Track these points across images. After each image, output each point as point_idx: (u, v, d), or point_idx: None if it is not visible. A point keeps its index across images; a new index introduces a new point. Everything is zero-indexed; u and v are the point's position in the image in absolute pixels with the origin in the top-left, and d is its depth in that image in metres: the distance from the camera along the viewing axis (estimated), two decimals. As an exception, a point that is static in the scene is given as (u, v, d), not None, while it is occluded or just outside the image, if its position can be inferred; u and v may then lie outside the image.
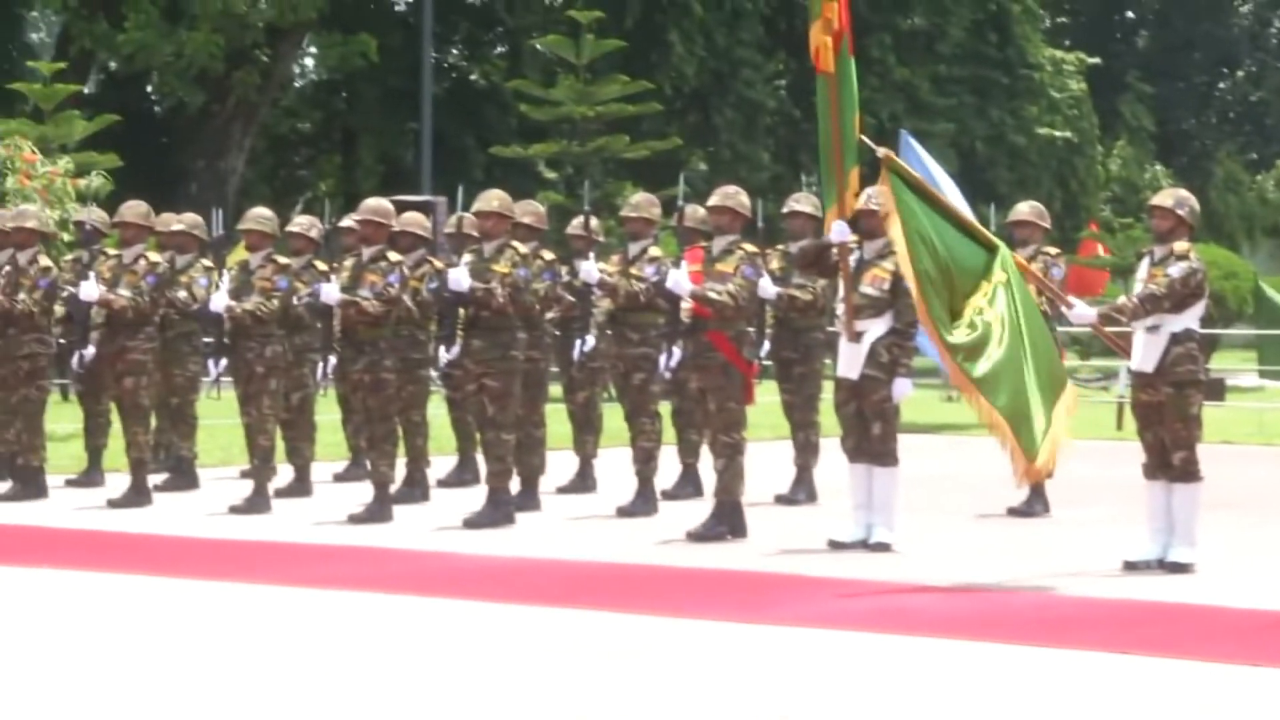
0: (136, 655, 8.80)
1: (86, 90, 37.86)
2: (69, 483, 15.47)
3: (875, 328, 11.93)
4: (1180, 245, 11.13)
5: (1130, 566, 11.11)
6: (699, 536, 12.32)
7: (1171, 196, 11.38)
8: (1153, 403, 11.10)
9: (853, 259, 11.97)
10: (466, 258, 13.08)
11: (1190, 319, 11.11)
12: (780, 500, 14.49)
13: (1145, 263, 11.28)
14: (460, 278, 12.85)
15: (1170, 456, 11.08)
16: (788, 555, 11.78)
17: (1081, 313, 11.33)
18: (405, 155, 40.75)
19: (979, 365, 10.84)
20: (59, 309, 14.84)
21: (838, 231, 11.83)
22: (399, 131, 41.30)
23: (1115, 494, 14.70)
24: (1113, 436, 20.48)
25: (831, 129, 11.85)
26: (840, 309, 12.07)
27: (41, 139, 25.52)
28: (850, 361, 11.95)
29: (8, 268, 14.58)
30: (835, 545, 11.92)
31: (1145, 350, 11.11)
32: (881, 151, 11.28)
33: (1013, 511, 13.80)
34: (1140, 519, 11.41)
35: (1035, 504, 13.84)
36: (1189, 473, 11.08)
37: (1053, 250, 14.17)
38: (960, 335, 10.90)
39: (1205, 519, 11.35)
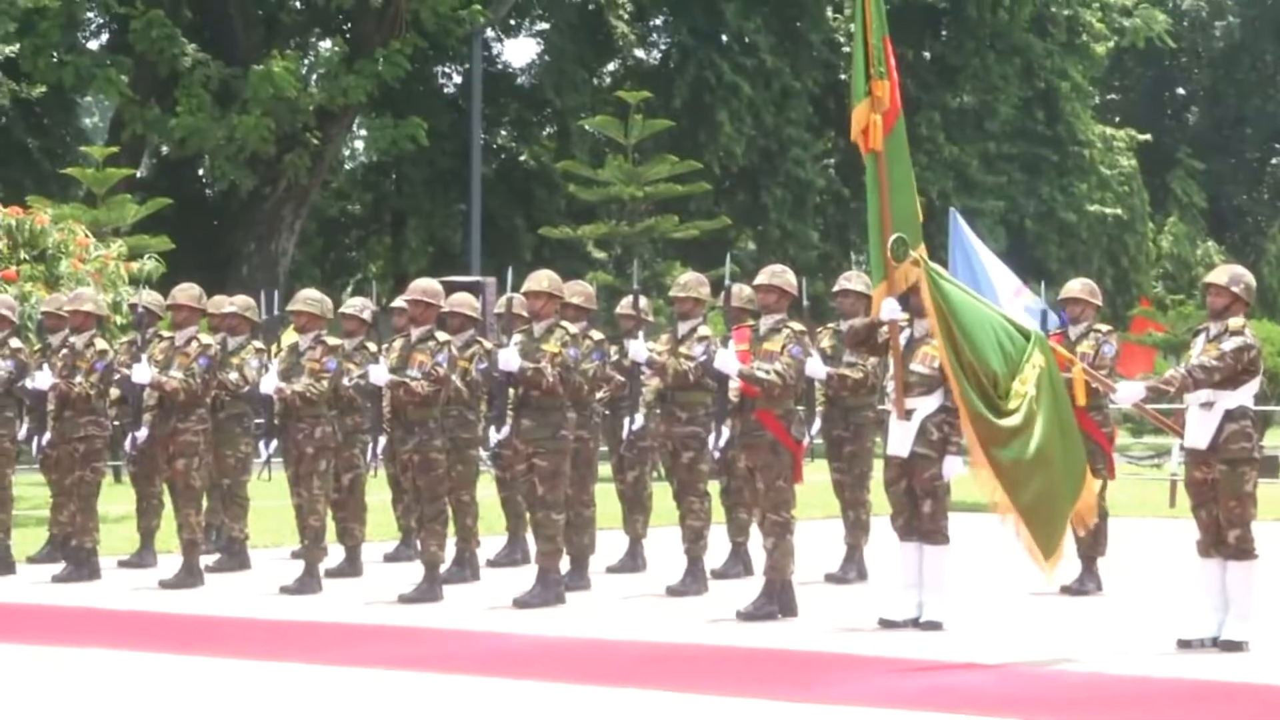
0: (187, 736, 8.81)
1: (139, 174, 38.17)
2: (121, 564, 15.51)
3: (925, 405, 11.91)
4: (1235, 322, 11.09)
5: (1184, 645, 11.03)
6: (749, 615, 12.29)
7: (1226, 274, 11.33)
8: (1207, 480, 11.04)
9: (903, 337, 11.97)
10: (516, 338, 13.12)
11: (1245, 396, 11.06)
12: (831, 579, 14.45)
13: (1201, 340, 11.24)
14: (510, 358, 12.88)
15: (1225, 534, 11.01)
16: (839, 634, 11.73)
17: (1127, 393, 11.30)
18: (454, 236, 40.94)
19: (1007, 451, 11.00)
20: (113, 391, 14.93)
21: (888, 309, 11.83)
22: (448, 213, 41.51)
23: (1169, 572, 14.63)
24: (1166, 514, 20.36)
25: (881, 207, 11.87)
26: (891, 387, 12.06)
27: (95, 223, 25.78)
28: (900, 439, 11.93)
29: (64, 350, 14.69)
30: (886, 624, 11.88)
31: (1199, 427, 11.05)
32: (915, 252, 11.52)
33: (1065, 590, 13.72)
34: (1194, 597, 11.34)
35: (1088, 582, 13.76)
36: (1244, 550, 11.01)
37: (1104, 327, 14.11)
38: (1010, 419, 11.06)
39: (1260, 597, 11.27)
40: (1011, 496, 11.11)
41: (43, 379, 14.53)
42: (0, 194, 27.55)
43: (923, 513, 11.89)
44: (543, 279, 13.30)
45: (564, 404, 13.09)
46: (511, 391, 13.07)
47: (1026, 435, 11.14)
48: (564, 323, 13.23)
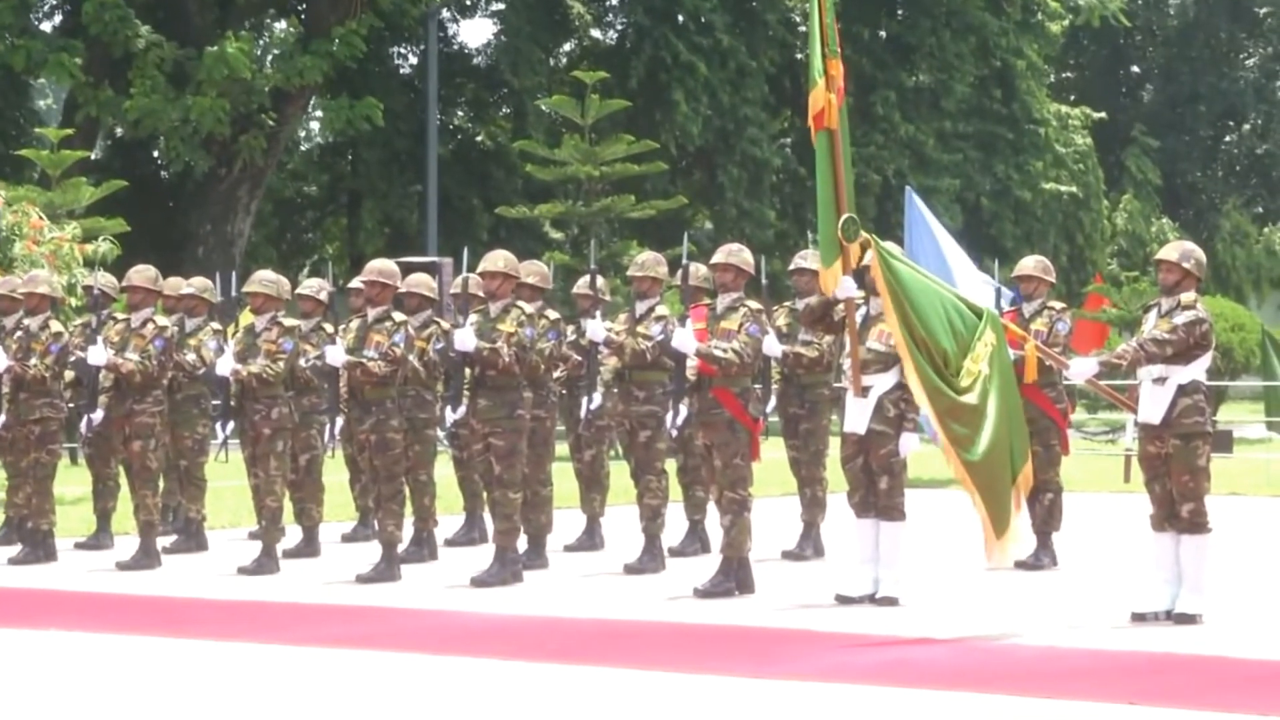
0: (146, 716, 8.81)
1: (94, 156, 37.99)
2: (78, 546, 15.49)
3: (882, 382, 11.96)
4: (1187, 297, 11.16)
5: (1138, 618, 11.11)
6: (706, 593, 12.33)
7: (1177, 250, 11.40)
8: (1160, 454, 11.11)
9: (859, 314, 12.01)
10: (473, 318, 13.13)
11: (1197, 370, 11.14)
12: (787, 556, 14.50)
13: (1153, 315, 11.31)
14: (466, 338, 12.89)
15: (1178, 508, 11.09)
16: (795, 610, 11.78)
17: (1080, 368, 11.41)
18: (410, 217, 40.88)
19: (964, 428, 11.14)
20: (68, 374, 14.90)
21: (844, 287, 11.87)
22: (404, 193, 41.43)
23: (1123, 546, 14.72)
24: (1120, 489, 20.48)
25: (837, 184, 11.89)
26: (847, 364, 12.10)
27: (49, 205, 25.64)
28: (857, 416, 11.98)
29: (19, 333, 14.65)
30: (842, 600, 11.93)
31: (1152, 402, 11.13)
32: (863, 235, 11.59)
33: (1020, 564, 13.78)
34: (1148, 570, 11.42)
35: (1043, 556, 13.84)
36: (1197, 524, 11.09)
37: (1058, 304, 14.20)
38: (966, 396, 11.16)
39: (1213, 570, 11.36)
40: (968, 471, 11.20)
41: (-3, 362, 14.49)
42: (-47, 177, 27.44)
43: (879, 489, 11.94)
44: (499, 259, 13.31)
45: (520, 383, 13.11)
46: (468, 371, 13.08)
47: (982, 413, 11.24)
48: (520, 302, 13.24)
